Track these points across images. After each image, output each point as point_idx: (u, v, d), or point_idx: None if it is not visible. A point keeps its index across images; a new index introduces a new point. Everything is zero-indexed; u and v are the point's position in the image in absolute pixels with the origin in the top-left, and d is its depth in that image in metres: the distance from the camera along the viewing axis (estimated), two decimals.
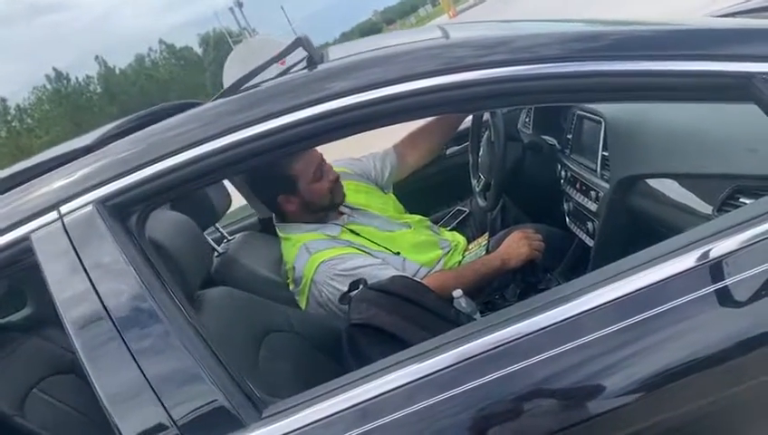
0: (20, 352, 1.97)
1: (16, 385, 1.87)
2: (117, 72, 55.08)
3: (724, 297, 0.88)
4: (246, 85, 1.05)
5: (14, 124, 48.63)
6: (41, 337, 2.02)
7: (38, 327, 2.04)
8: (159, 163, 0.95)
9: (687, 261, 0.88)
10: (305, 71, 1.05)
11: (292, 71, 1.09)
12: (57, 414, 1.89)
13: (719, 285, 0.87)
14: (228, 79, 1.88)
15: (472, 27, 1.28)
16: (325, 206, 1.74)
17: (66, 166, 1.00)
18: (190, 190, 1.04)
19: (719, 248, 0.88)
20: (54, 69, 51.05)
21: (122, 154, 0.99)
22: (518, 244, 1.67)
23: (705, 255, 0.88)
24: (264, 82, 1.06)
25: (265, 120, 0.95)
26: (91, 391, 1.99)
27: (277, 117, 0.95)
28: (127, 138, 1.03)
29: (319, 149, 1.67)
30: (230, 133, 0.95)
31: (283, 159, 1.65)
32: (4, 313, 2.14)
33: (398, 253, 1.73)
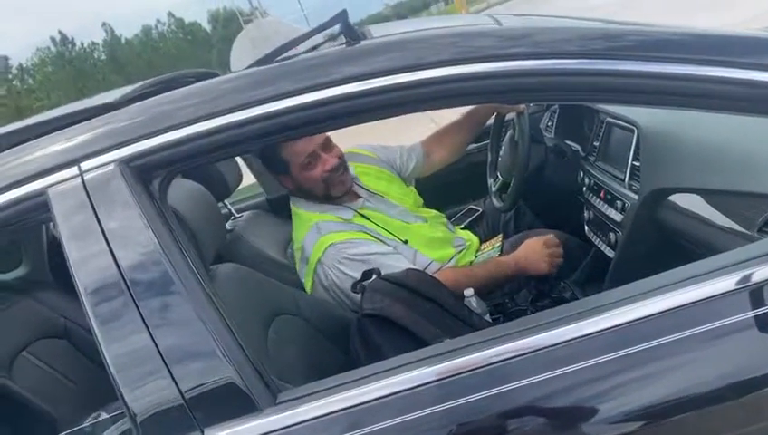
0: (11, 313, 1.94)
1: (6, 346, 1.83)
2: (123, 41, 54.68)
3: (764, 324, 0.84)
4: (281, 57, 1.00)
5: (14, 83, 48.22)
6: (34, 299, 1.99)
7: (32, 289, 2.00)
8: (187, 128, 0.90)
9: (728, 283, 0.84)
10: (343, 47, 1.00)
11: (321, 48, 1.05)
12: (46, 378, 1.85)
13: (759, 311, 0.83)
14: (236, 58, 1.83)
15: (517, 18, 1.23)
16: (320, 194, 1.69)
17: (89, 121, 0.95)
18: (215, 159, 0.99)
19: (763, 272, 0.84)
20: (60, 32, 50.62)
21: (148, 115, 0.93)
22: (536, 251, 1.63)
23: (747, 278, 0.84)
24: (299, 54, 1.01)
25: (298, 94, 0.90)
26: (81, 359, 1.95)
27: (311, 91, 0.90)
28: (152, 99, 0.98)
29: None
30: (262, 104, 0.90)
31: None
32: None
33: (407, 241, 1.69)
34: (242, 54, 1.85)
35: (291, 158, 1.65)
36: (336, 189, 1.69)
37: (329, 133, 1.65)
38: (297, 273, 1.70)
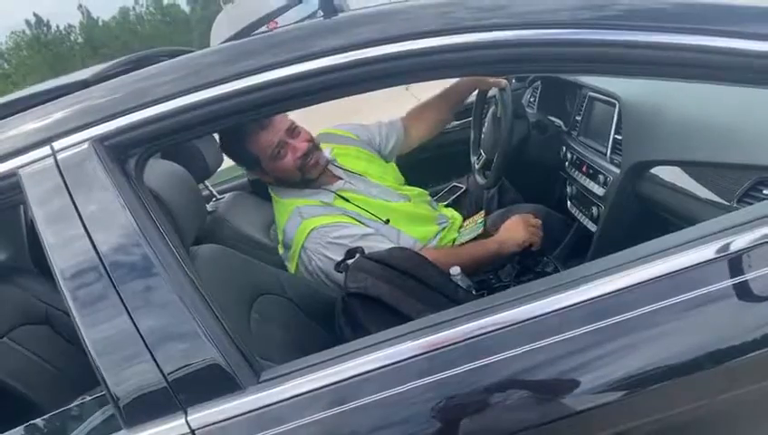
0: None
1: None
2: (100, 23, 53.61)
3: (744, 292, 0.85)
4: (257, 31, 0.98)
5: None
6: (14, 285, 1.95)
7: (12, 275, 1.97)
8: (164, 104, 0.88)
9: (706, 252, 0.84)
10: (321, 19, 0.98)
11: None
12: (27, 364, 1.83)
13: (738, 279, 0.84)
14: (216, 39, 1.80)
15: None
16: (296, 181, 1.68)
17: (61, 99, 0.92)
18: (193, 136, 0.97)
19: (741, 241, 0.84)
20: (35, 14, 49.52)
21: (122, 92, 0.91)
22: (516, 230, 1.64)
23: (726, 247, 0.84)
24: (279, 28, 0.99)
25: (278, 68, 0.88)
26: (63, 344, 1.93)
27: (289, 65, 0.88)
28: (126, 76, 0.96)
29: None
30: (240, 78, 0.88)
31: (241, 136, 1.59)
32: None
33: (388, 220, 1.68)
34: (222, 35, 1.82)
35: (259, 152, 1.63)
36: (311, 172, 1.67)
37: (291, 114, 1.63)
38: (280, 255, 1.69)
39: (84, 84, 0.94)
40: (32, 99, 0.94)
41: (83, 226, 0.85)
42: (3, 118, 0.93)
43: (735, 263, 0.84)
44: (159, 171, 1.18)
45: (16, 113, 0.93)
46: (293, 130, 1.65)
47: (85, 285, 0.84)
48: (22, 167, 0.87)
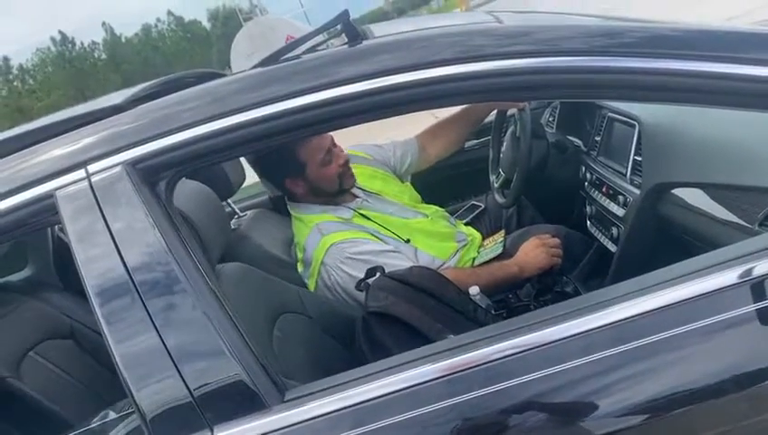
0: (18, 314, 1.94)
1: (13, 347, 1.84)
2: (123, 40, 54.59)
3: (766, 318, 0.84)
4: (286, 57, 1.01)
5: (15, 84, 48.22)
6: (40, 300, 2.00)
7: (38, 290, 2.01)
8: (193, 129, 0.91)
9: (729, 277, 0.85)
10: (346, 47, 1.01)
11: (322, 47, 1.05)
12: (52, 379, 1.86)
13: (761, 304, 0.84)
14: (236, 56, 1.83)
15: (520, 16, 1.24)
16: (334, 191, 1.71)
17: (95, 124, 0.96)
18: (221, 160, 1.00)
19: (764, 266, 0.84)
20: (60, 32, 50.59)
21: (154, 117, 0.94)
22: (536, 252, 1.65)
23: (749, 272, 0.84)
24: (303, 53, 1.02)
25: (304, 94, 0.91)
26: (88, 359, 1.96)
27: (316, 91, 0.91)
28: (157, 101, 0.99)
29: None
30: (268, 105, 0.91)
31: (292, 141, 1.61)
32: (5, 273, 2.10)
33: (408, 240, 1.70)
34: (242, 52, 1.86)
35: (309, 157, 1.65)
36: (348, 182, 1.73)
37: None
38: (300, 273, 1.71)
39: (117, 109, 0.98)
40: (67, 123, 0.98)
41: (115, 244, 0.88)
42: (39, 142, 0.96)
43: (758, 288, 0.84)
44: (186, 191, 1.21)
45: (52, 137, 0.97)
46: (334, 141, 1.71)
47: (115, 301, 0.87)
48: (58, 189, 0.90)
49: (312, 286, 1.65)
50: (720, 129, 1.29)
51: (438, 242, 1.77)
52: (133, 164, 0.90)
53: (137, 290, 0.86)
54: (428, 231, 1.78)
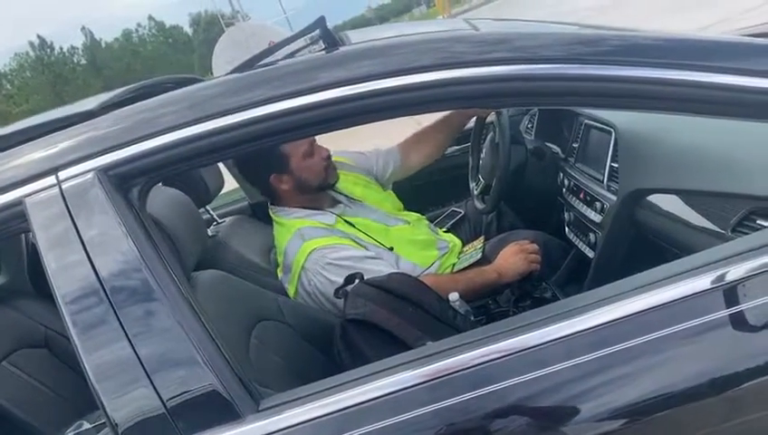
0: None
1: None
2: (103, 45, 54.06)
3: (738, 322, 0.85)
4: (261, 63, 1.00)
5: None
6: (13, 308, 1.96)
7: (11, 298, 1.97)
8: (166, 135, 0.89)
9: (703, 282, 0.86)
10: (323, 53, 1.01)
11: (300, 53, 1.05)
12: (26, 388, 1.83)
13: (734, 309, 0.85)
14: (218, 61, 1.82)
15: (497, 23, 1.24)
16: (319, 185, 1.71)
17: (66, 130, 0.94)
18: (195, 166, 0.99)
19: (736, 271, 0.85)
20: (39, 36, 49.93)
21: (127, 123, 0.93)
22: (515, 258, 1.66)
23: (722, 277, 0.85)
24: (280, 59, 1.01)
25: (282, 100, 0.90)
26: (63, 368, 1.93)
27: (294, 97, 0.90)
28: (131, 107, 0.98)
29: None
30: (243, 111, 0.90)
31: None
32: None
33: (392, 248, 1.69)
34: (225, 57, 1.85)
35: (292, 149, 1.66)
36: (332, 176, 1.74)
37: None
38: (280, 279, 1.69)
39: (90, 115, 0.96)
40: (38, 128, 0.96)
41: (86, 252, 0.86)
42: (9, 147, 0.95)
43: (731, 293, 0.85)
44: (161, 198, 1.20)
45: (23, 143, 0.95)
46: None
47: (86, 310, 0.86)
48: (28, 196, 0.88)
49: (291, 292, 1.64)
50: (695, 136, 1.30)
51: (420, 250, 1.77)
52: (105, 170, 0.88)
53: (108, 299, 0.85)
54: (410, 239, 1.78)
